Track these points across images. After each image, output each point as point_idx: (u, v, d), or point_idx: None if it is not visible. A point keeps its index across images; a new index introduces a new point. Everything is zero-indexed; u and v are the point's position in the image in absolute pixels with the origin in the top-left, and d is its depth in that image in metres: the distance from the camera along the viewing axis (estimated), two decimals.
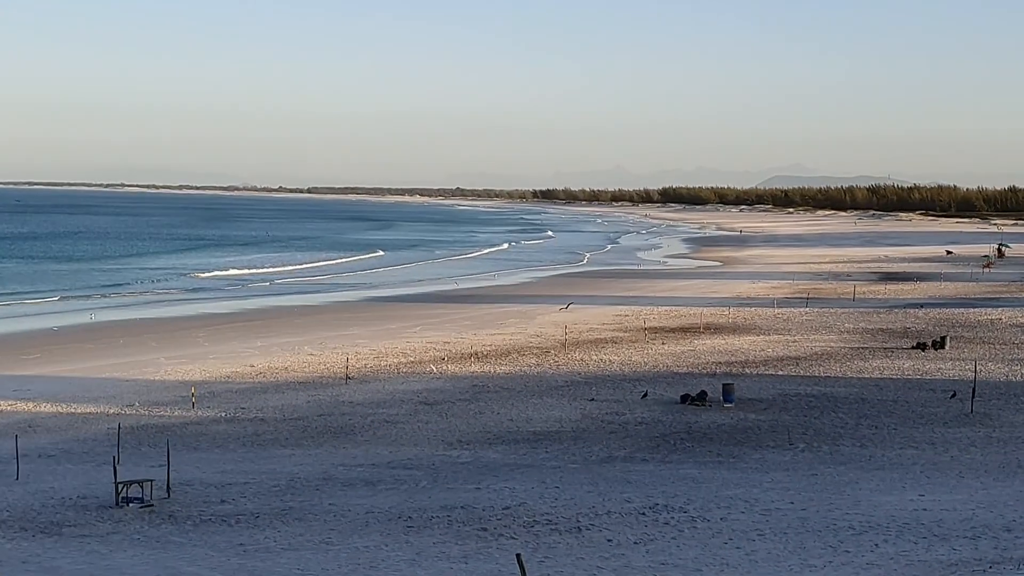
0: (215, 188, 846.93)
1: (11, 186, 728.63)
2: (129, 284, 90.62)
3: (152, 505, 24.22)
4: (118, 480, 24.79)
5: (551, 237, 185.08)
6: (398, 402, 38.12)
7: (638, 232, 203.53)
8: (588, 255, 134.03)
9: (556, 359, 47.91)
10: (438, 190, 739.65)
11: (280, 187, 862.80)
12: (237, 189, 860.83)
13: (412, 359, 48.25)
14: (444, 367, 45.96)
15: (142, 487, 24.81)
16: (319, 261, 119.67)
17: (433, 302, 75.72)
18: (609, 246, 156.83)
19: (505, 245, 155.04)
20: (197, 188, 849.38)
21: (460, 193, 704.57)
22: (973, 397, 36.22)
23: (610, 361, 47.17)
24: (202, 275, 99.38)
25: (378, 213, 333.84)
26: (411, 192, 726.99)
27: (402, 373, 44.61)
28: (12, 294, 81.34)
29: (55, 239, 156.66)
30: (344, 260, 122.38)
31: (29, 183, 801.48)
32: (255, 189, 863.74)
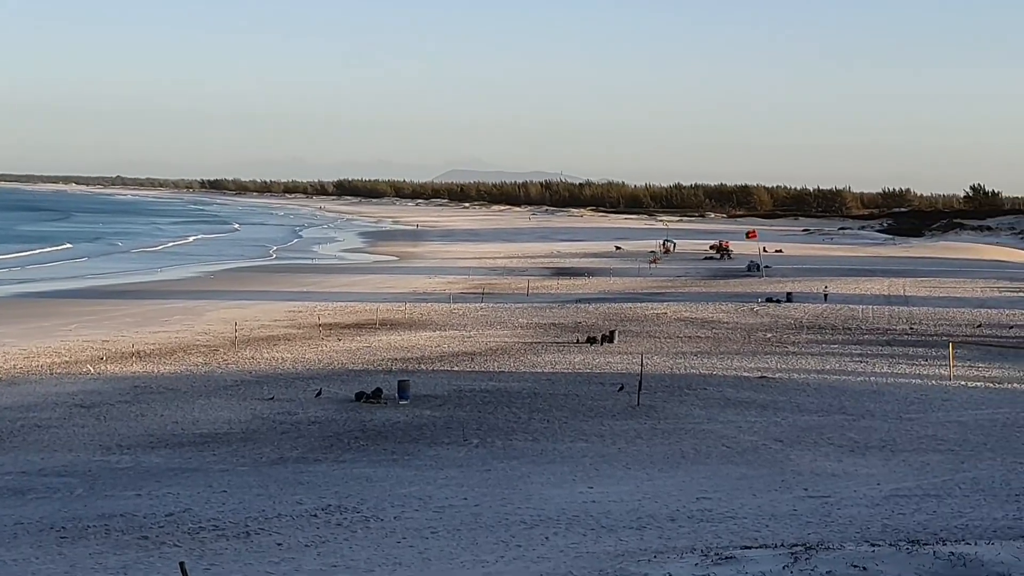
0: None
1: None
2: None
3: None
4: None
5: (237, 230, 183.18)
6: (51, 405, 36.37)
7: (321, 226, 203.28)
8: (275, 248, 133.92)
9: (225, 357, 46.98)
10: (97, 178, 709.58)
11: None
12: None
13: (67, 359, 46.15)
14: (102, 367, 44.21)
15: None
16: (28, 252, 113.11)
17: (92, 298, 72.58)
18: (295, 239, 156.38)
19: (191, 238, 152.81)
20: None
21: (121, 182, 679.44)
22: (640, 390, 38.08)
23: (283, 359, 46.70)
24: None
25: (46, 202, 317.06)
26: (67, 180, 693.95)
27: (55, 374, 42.59)
28: None
29: None
30: (29, 253, 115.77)
31: None
32: None
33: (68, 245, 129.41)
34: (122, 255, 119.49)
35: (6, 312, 63.38)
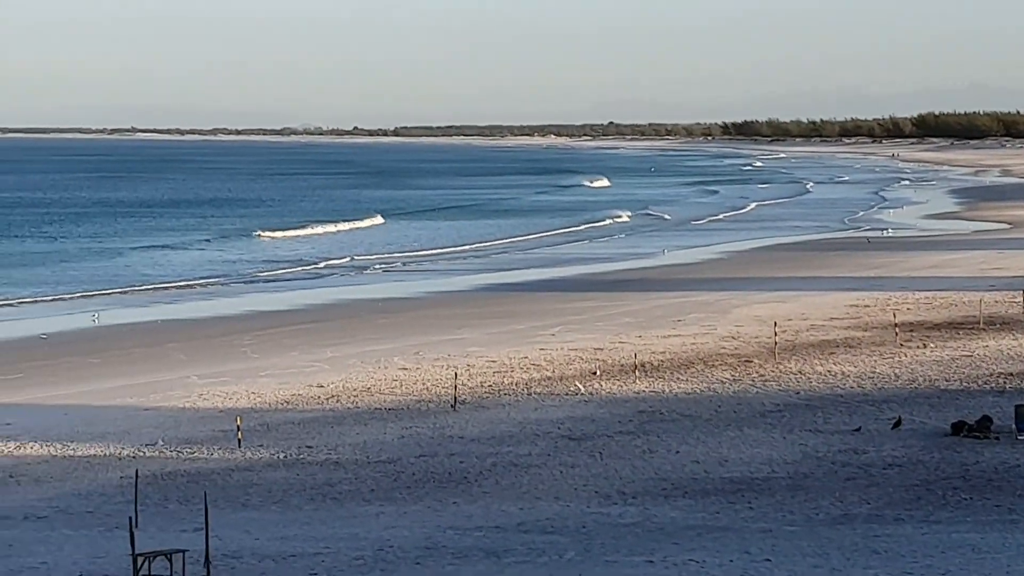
0: (261, 132, 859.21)
1: None
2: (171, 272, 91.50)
3: None
4: (136, 551, 25.16)
5: (809, 191, 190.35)
6: (530, 437, 38.21)
7: (895, 183, 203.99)
8: (858, 214, 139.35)
9: (761, 371, 47.59)
10: (583, 127, 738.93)
11: (356, 128, 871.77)
12: (295, 133, 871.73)
13: (549, 374, 48.29)
14: (596, 385, 45.93)
15: (170, 560, 25.20)
16: (543, 232, 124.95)
17: (581, 290, 75.73)
18: (875, 204, 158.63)
19: (750, 205, 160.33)
20: (236, 133, 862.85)
21: (615, 130, 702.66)
22: None
23: (843, 373, 46.73)
24: (351, 258, 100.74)
25: (545, 162, 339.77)
26: (542, 131, 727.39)
27: (535, 395, 44.70)
28: None
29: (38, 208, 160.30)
30: (577, 227, 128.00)
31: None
32: (321, 132, 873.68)
33: (625, 217, 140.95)
34: (665, 231, 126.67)
35: (472, 310, 67.10)
